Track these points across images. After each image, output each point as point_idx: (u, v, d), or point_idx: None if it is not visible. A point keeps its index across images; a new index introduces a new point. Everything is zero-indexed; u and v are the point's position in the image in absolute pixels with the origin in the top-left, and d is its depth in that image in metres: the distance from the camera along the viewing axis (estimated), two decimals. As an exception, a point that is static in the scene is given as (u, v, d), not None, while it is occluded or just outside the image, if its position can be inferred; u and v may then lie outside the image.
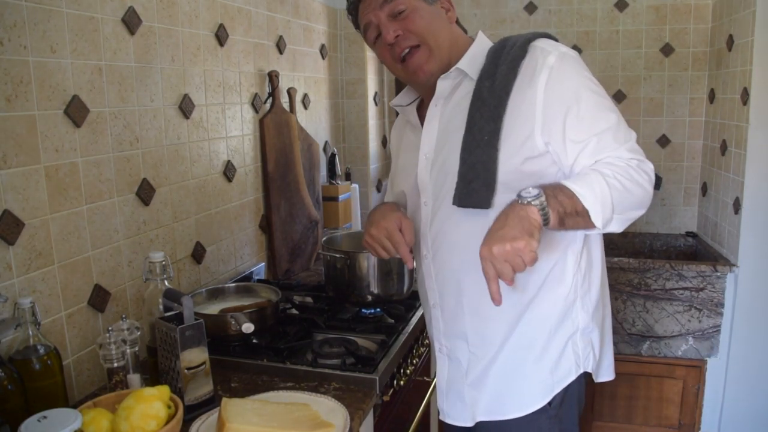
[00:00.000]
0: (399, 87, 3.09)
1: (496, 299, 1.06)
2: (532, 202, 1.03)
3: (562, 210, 1.04)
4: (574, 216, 1.06)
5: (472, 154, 1.15)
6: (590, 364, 1.27)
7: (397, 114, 1.50)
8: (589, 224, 1.07)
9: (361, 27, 1.28)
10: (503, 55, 1.18)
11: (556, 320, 1.23)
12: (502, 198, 1.14)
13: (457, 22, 1.30)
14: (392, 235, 1.27)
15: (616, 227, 1.11)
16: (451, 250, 1.26)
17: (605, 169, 1.08)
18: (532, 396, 1.25)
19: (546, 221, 1.04)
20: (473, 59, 1.23)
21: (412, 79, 1.27)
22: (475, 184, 1.15)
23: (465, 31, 1.32)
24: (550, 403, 1.25)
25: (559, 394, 1.25)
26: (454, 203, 1.18)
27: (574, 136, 1.12)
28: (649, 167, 1.13)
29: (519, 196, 1.05)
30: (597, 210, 1.05)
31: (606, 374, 1.34)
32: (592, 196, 1.05)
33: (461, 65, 1.22)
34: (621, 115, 1.16)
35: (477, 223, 1.16)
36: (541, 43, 1.17)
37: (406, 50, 1.22)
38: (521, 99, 1.14)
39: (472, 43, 1.26)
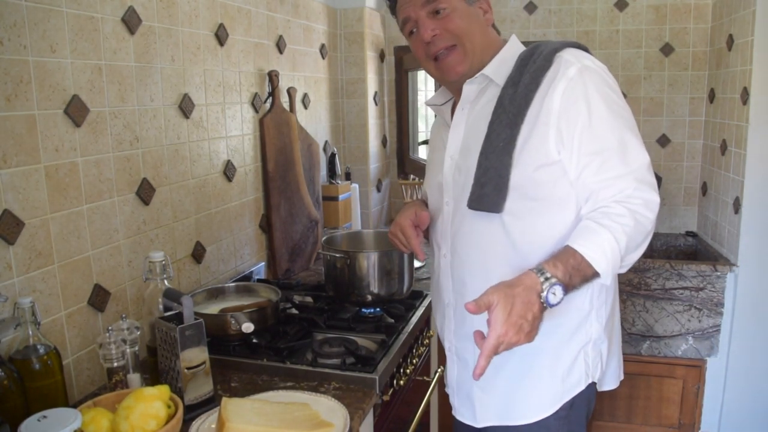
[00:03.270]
0: (399, 87, 3.09)
1: (478, 374, 1.03)
2: (552, 301, 1.05)
3: (572, 288, 1.08)
4: (582, 284, 1.09)
5: (488, 159, 1.17)
6: (598, 374, 1.27)
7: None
8: (594, 279, 1.10)
9: (398, 19, 1.30)
10: (530, 63, 1.19)
11: (571, 330, 1.23)
12: (514, 204, 1.17)
13: (492, 25, 1.31)
14: (405, 230, 1.35)
15: (623, 269, 1.15)
16: (467, 252, 1.28)
17: (613, 224, 1.08)
18: (541, 404, 1.26)
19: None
20: (500, 65, 1.24)
21: (443, 77, 1.29)
22: (487, 188, 1.18)
23: (499, 33, 1.33)
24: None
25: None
26: (468, 206, 1.21)
27: (583, 150, 1.12)
28: (655, 203, 1.11)
29: (542, 298, 1.04)
30: (608, 273, 1.08)
31: (609, 383, 1.34)
32: (604, 263, 1.07)
33: (487, 71, 1.23)
34: (638, 136, 1.14)
35: (490, 226, 1.21)
36: (567, 54, 1.18)
37: (442, 50, 1.24)
38: (539, 108, 1.15)
39: (503, 47, 1.27)
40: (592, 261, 1.06)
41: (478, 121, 1.25)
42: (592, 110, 1.12)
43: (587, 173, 1.12)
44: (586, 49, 1.23)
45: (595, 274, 1.08)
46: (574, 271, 1.06)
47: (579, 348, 1.24)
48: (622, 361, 1.39)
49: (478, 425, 1.33)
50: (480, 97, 1.27)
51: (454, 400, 1.39)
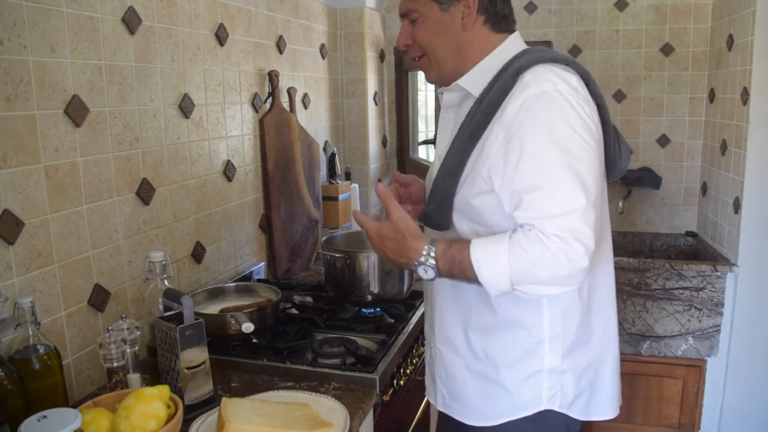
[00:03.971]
0: (399, 87, 3.09)
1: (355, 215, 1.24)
2: (420, 274, 1.13)
3: (450, 277, 1.13)
4: (463, 279, 1.11)
5: (440, 176, 1.17)
6: (557, 403, 1.22)
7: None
8: (475, 282, 1.09)
9: None
10: (500, 79, 1.12)
11: (516, 357, 1.21)
12: (461, 224, 1.19)
13: (495, 19, 1.21)
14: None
15: (523, 296, 1.09)
16: None
17: (517, 246, 1.03)
18: (489, 413, 1.25)
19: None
20: (478, 75, 1.18)
21: None
22: (431, 207, 1.20)
23: (512, 27, 1.25)
24: None
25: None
26: (417, 219, 1.25)
27: (515, 186, 1.06)
28: (575, 251, 1.00)
29: (416, 265, 1.12)
30: (491, 287, 1.06)
31: (600, 413, 1.28)
32: (488, 276, 1.05)
33: (462, 82, 1.20)
34: (581, 176, 1.02)
35: (447, 236, 1.20)
36: (529, 75, 1.08)
37: (415, 57, 1.27)
38: (488, 133, 1.11)
39: (492, 51, 1.20)
40: (475, 266, 1.05)
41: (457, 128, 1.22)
42: (529, 143, 1.04)
43: (518, 210, 1.06)
44: (567, 62, 1.13)
45: (478, 281, 1.07)
46: (456, 266, 1.09)
47: (527, 374, 1.21)
48: (618, 391, 1.33)
49: (438, 407, 1.37)
50: (464, 102, 1.23)
51: (426, 380, 1.42)
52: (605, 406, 1.29)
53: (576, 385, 1.23)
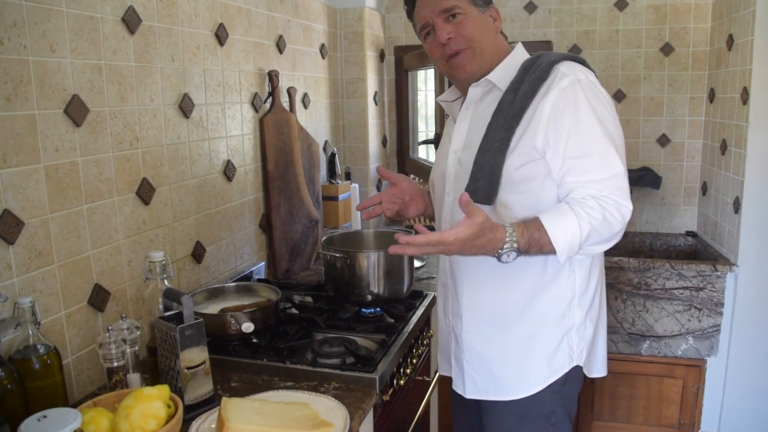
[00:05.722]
0: (399, 87, 3.09)
1: (396, 249, 1.15)
2: (503, 260, 1.17)
3: (525, 255, 1.19)
4: (537, 254, 1.20)
5: (483, 156, 1.29)
6: (583, 358, 1.38)
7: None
8: (550, 254, 1.20)
9: (415, 22, 1.40)
10: (530, 73, 1.29)
11: (556, 317, 1.34)
12: (505, 196, 1.29)
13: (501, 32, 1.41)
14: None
15: (579, 258, 1.27)
16: None
17: (582, 212, 1.17)
18: (527, 383, 1.37)
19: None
20: (504, 72, 1.34)
21: (454, 75, 1.40)
22: (480, 182, 1.29)
23: (506, 38, 1.42)
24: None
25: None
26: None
27: (567, 153, 1.22)
28: (626, 209, 1.20)
29: (500, 252, 1.16)
30: (564, 253, 1.18)
31: (599, 371, 1.44)
32: (562, 243, 1.17)
33: (491, 77, 1.34)
34: (618, 147, 1.23)
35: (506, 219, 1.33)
36: (564, 67, 1.27)
37: (455, 51, 1.34)
38: (532, 113, 1.26)
39: (509, 54, 1.37)
40: (552, 239, 1.16)
41: (480, 121, 1.35)
42: (578, 118, 1.22)
43: (568, 175, 1.23)
44: (584, 63, 1.32)
45: (552, 251, 1.18)
46: (534, 243, 1.17)
47: (563, 333, 1.35)
48: (606, 352, 1.48)
49: (467, 396, 1.44)
50: (483, 99, 1.38)
51: (452, 373, 1.51)
52: (601, 363, 1.44)
53: (592, 339, 1.39)
